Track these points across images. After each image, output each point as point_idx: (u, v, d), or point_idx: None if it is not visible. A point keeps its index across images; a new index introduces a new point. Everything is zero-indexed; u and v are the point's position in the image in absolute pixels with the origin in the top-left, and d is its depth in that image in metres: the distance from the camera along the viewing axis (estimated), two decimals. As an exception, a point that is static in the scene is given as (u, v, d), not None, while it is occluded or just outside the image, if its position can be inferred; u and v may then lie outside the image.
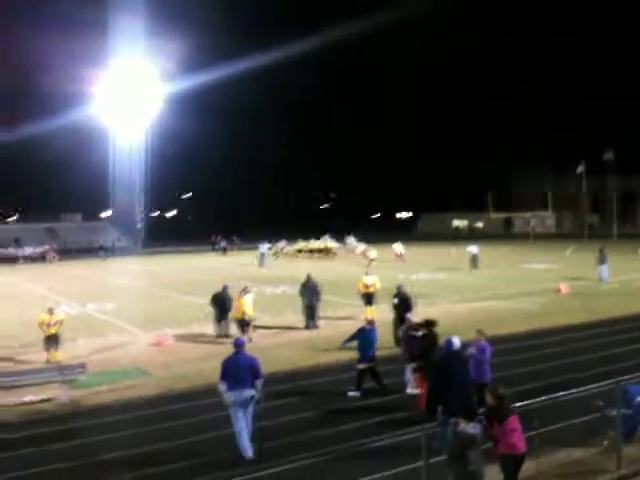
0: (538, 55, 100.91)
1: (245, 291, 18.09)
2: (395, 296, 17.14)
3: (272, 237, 52.98)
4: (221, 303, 18.59)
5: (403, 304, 16.70)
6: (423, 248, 54.12)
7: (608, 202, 67.27)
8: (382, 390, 12.52)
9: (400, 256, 41.78)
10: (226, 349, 16.60)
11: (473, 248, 36.51)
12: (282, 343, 17.49)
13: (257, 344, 17.39)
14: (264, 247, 44.24)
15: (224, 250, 56.05)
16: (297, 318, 20.16)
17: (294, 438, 10.07)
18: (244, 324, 18.18)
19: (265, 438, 9.93)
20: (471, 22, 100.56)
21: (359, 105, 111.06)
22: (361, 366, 12.63)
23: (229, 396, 9.59)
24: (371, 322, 13.42)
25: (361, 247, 45.32)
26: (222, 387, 9.71)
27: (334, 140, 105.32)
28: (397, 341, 15.85)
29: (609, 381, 9.27)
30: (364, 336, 12.92)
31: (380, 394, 12.41)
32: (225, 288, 19.08)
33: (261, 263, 42.56)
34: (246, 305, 17.55)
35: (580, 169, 64.84)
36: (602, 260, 29.47)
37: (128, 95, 67.97)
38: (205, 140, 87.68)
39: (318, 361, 15.03)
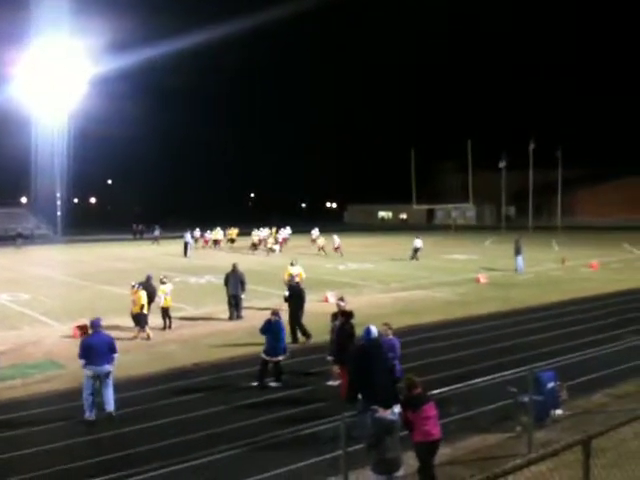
0: (468, 50, 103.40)
1: (143, 284, 17.71)
2: (288, 289, 17.03)
3: (202, 225, 52.36)
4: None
5: (296, 297, 16.48)
6: (351, 239, 54.55)
7: (526, 195, 69.80)
8: (260, 387, 12.16)
9: (338, 248, 42.06)
10: (144, 341, 16.41)
11: (418, 241, 37.03)
12: (205, 334, 17.25)
13: (180, 335, 17.16)
14: (188, 236, 43.56)
15: (156, 239, 54.55)
16: (221, 308, 19.96)
17: (214, 430, 9.95)
18: (166, 315, 17.91)
19: (186, 430, 9.84)
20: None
21: (289, 91, 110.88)
22: (267, 358, 12.39)
23: (88, 370, 10.61)
24: (276, 312, 12.91)
25: (320, 239, 45.08)
26: (81, 362, 10.73)
27: (261, 127, 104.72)
28: (294, 336, 15.97)
29: (522, 368, 9.62)
30: (270, 328, 12.60)
31: (300, 386, 12.37)
32: (148, 278, 18.61)
33: (185, 252, 41.92)
34: (143, 299, 16.81)
35: (502, 164, 67.04)
36: (518, 251, 30.63)
37: (51, 76, 64.86)
38: (131, 124, 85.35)
39: (239, 352, 14.89)
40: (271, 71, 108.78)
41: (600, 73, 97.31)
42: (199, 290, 25.35)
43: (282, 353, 12.62)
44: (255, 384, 12.23)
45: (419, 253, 37.17)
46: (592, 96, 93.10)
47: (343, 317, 11.93)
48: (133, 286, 17.48)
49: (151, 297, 17.99)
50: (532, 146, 65.29)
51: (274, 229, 50.72)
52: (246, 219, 67.29)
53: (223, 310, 19.70)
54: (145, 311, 16.89)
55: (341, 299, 13.43)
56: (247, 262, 32.55)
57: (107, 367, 10.74)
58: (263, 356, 12.50)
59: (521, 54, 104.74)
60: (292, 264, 21.90)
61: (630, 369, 11.81)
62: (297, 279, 20.65)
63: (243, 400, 11.49)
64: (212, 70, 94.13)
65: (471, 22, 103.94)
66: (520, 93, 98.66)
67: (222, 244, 49.32)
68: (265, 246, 43.41)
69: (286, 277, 20.98)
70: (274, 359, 12.43)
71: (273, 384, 12.34)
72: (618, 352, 11.84)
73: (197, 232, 50.80)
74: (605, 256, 37.40)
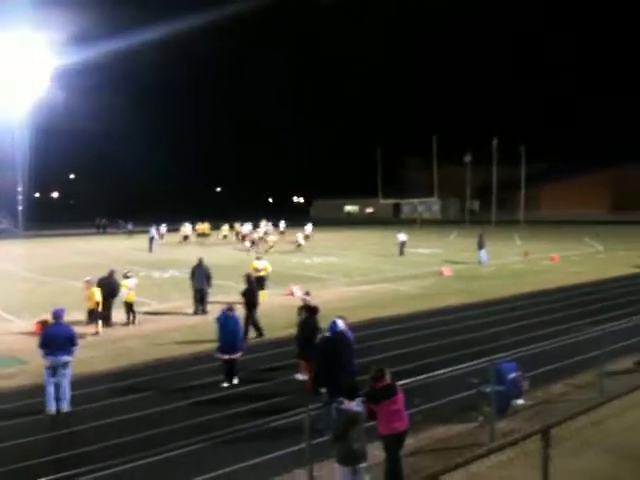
0: (434, 47, 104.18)
1: (106, 279, 17.55)
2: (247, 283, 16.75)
3: (167, 220, 51.81)
4: (107, 288, 17.85)
5: (250, 292, 16.27)
6: (318, 233, 54.57)
7: (489, 189, 70.76)
8: (228, 384, 11.85)
9: (306, 237, 42.45)
10: (110, 336, 16.21)
11: (402, 235, 36.79)
12: (169, 329, 17.09)
13: (144, 330, 16.98)
14: (153, 231, 43.09)
15: (130, 233, 53.61)
16: (186, 303, 19.81)
17: (175, 425, 9.88)
18: (130, 310, 17.72)
19: (148, 426, 9.76)
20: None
21: (257, 84, 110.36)
22: (220, 356, 12.04)
23: (47, 360, 10.68)
24: (230, 308, 12.39)
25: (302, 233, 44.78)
26: (41, 352, 10.78)
27: (229, 120, 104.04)
28: (259, 331, 15.81)
29: (484, 359, 9.75)
30: (224, 323, 12.13)
31: (264, 379, 12.30)
32: (112, 273, 18.35)
33: (150, 247, 41.51)
34: (97, 295, 16.59)
35: (468, 158, 67.84)
36: (481, 244, 31.07)
37: (12, 70, 63.23)
38: (95, 117, 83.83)
39: (202, 348, 14.75)
40: (239, 63, 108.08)
41: (562, 71, 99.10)
42: (163, 285, 25.11)
43: (237, 351, 12.07)
44: (225, 385, 11.90)
45: (404, 248, 36.69)
46: (554, 93, 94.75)
47: (307, 312, 11.93)
48: (87, 281, 17.23)
49: (114, 292, 17.79)
50: (496, 142, 66.19)
51: (239, 224, 50.45)
52: (212, 213, 66.79)
53: (187, 305, 19.56)
54: (99, 308, 16.66)
55: (306, 293, 13.45)
56: (215, 256, 32.33)
57: (65, 357, 10.75)
58: (217, 355, 12.09)
59: (485, 51, 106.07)
60: (258, 258, 21.83)
61: (588, 360, 12.06)
62: (263, 273, 20.61)
63: (206, 395, 11.42)
64: (178, 62, 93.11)
65: (438, 19, 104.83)
66: (485, 89, 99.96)
67: (191, 239, 48.49)
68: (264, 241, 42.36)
69: (251, 271, 20.87)
70: (226, 357, 11.96)
71: (225, 384, 11.90)
72: (577, 343, 12.09)
73: (163, 227, 50.19)
74: (566, 249, 38.18)
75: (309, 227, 46.42)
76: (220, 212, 70.85)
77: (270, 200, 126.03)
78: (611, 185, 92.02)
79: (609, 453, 8.36)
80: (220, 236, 49.94)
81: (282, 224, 50.24)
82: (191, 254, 31.65)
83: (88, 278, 17.49)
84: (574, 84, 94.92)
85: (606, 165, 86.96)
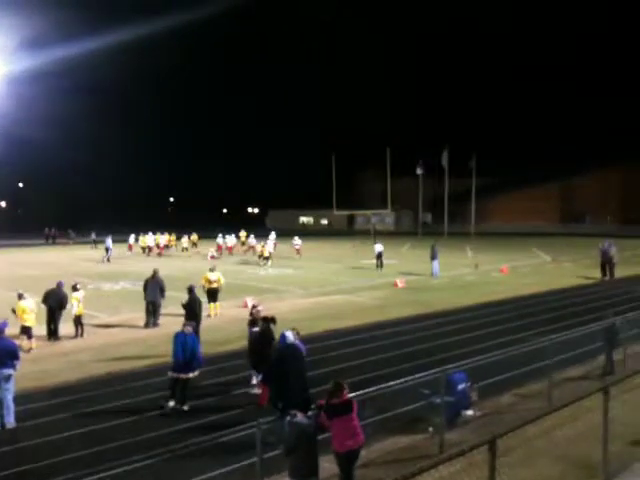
0: (387, 59, 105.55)
1: (52, 291, 17.14)
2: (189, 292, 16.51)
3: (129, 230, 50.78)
4: (55, 301, 17.41)
5: (191, 306, 16.01)
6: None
7: (441, 202, 71.90)
8: (162, 408, 11.23)
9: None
10: (59, 349, 15.80)
11: (378, 246, 36.05)
12: (119, 342, 16.77)
13: (93, 343, 16.61)
14: (109, 241, 42.29)
15: (95, 243, 52.01)
16: (136, 315, 19.49)
17: (125, 441, 9.69)
18: (78, 323, 17.33)
19: (96, 442, 9.55)
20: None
21: (211, 94, 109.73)
22: (175, 375, 11.39)
23: None
24: (188, 324, 12.00)
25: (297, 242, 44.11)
26: None
27: (183, 129, 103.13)
28: None
29: (434, 370, 9.86)
30: (181, 341, 11.54)
31: (216, 393, 12.18)
32: (60, 285, 17.91)
33: (106, 257, 40.95)
34: (28, 311, 15.83)
35: (420, 170, 68.81)
36: (434, 256, 31.50)
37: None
38: (45, 125, 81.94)
39: (153, 361, 14.52)
40: (193, 72, 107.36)
41: (511, 85, 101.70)
42: (113, 297, 24.63)
43: (193, 370, 11.50)
44: (171, 404, 11.28)
45: (382, 259, 35.78)
46: (504, 106, 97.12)
47: (265, 322, 11.84)
48: (20, 296, 16.28)
49: (62, 304, 17.37)
50: (447, 155, 67.37)
51: (191, 235, 49.83)
52: (166, 224, 65.98)
53: (139, 317, 19.26)
54: (28, 323, 15.87)
55: (254, 306, 13.31)
56: (171, 268, 31.90)
57: (6, 371, 10.54)
58: (171, 374, 11.49)
59: (437, 64, 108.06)
60: (211, 270, 21.62)
61: (536, 370, 12.33)
62: (215, 285, 20.43)
63: (157, 410, 11.23)
64: (131, 70, 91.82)
65: (388, 33, 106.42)
66: (437, 101, 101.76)
67: (154, 250, 46.86)
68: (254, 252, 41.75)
69: (204, 283, 20.69)
70: (182, 376, 11.34)
71: (170, 404, 11.28)
72: (525, 354, 12.33)
73: (132, 238, 48.51)
74: (515, 260, 39.03)
75: (273, 236, 45.80)
76: (175, 223, 70.03)
77: (224, 210, 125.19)
78: (559, 198, 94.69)
79: (558, 462, 8.53)
80: (180, 248, 49.14)
81: (272, 235, 47.92)
82: (145, 266, 31.16)
83: (20, 291, 16.68)
84: (523, 97, 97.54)
85: (554, 178, 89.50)
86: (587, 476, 7.96)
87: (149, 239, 47.81)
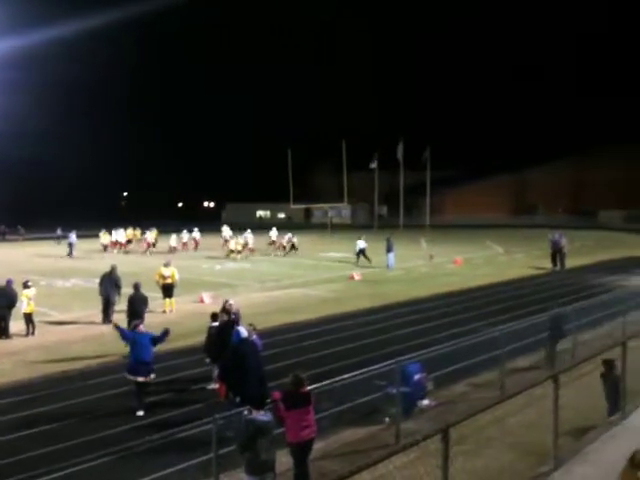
0: (342, 52, 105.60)
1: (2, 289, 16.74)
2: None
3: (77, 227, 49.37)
4: (5, 298, 16.92)
5: (132, 303, 15.87)
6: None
7: (397, 195, 72.52)
8: (133, 412, 10.67)
9: (277, 243, 42.19)
10: (9, 348, 15.42)
11: (361, 242, 35.02)
12: (71, 340, 16.44)
13: (45, 341, 16.27)
14: (73, 237, 41.26)
15: (59, 239, 49.96)
16: (89, 313, 19.18)
17: (79, 440, 9.53)
18: (29, 321, 16.95)
19: (48, 442, 9.38)
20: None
21: (164, 85, 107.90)
22: (131, 377, 10.89)
23: None
24: (139, 323, 11.67)
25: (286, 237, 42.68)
26: None
27: (136, 123, 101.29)
28: None
29: (390, 361, 9.98)
30: (134, 341, 11.08)
31: (172, 389, 12.07)
32: (9, 282, 17.44)
33: (70, 253, 40.12)
34: None
35: (373, 164, 69.17)
36: (389, 249, 31.81)
37: None
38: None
39: (107, 360, 14.29)
40: (143, 62, 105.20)
41: (465, 78, 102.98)
42: (66, 294, 24.10)
43: (148, 373, 10.96)
44: (140, 413, 10.71)
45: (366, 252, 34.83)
46: (458, 100, 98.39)
47: (227, 315, 11.79)
48: None
49: (12, 302, 16.94)
50: (402, 147, 67.91)
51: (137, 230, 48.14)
52: (120, 218, 64.76)
53: (91, 315, 18.98)
54: None
55: (226, 300, 13.30)
56: (133, 265, 31.31)
57: None
58: (126, 375, 11.00)
59: (391, 57, 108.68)
60: (165, 265, 21.36)
61: (489, 359, 12.60)
62: (169, 280, 20.19)
63: (112, 408, 11.08)
64: (83, 61, 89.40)
65: (345, 23, 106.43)
66: (392, 94, 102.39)
67: (117, 247, 43.97)
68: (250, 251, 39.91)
69: (158, 278, 20.42)
70: (140, 379, 10.85)
71: (140, 413, 10.71)
72: (479, 344, 12.59)
73: (118, 233, 44.90)
74: (469, 252, 39.70)
75: (274, 232, 44.36)
76: (130, 217, 68.85)
77: (180, 204, 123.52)
78: (512, 190, 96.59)
79: (510, 450, 8.75)
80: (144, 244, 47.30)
81: (274, 231, 44.80)
82: (104, 263, 30.62)
83: None
84: (476, 90, 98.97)
85: (507, 171, 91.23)
86: (538, 463, 8.17)
87: (119, 234, 44.90)
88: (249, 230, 42.58)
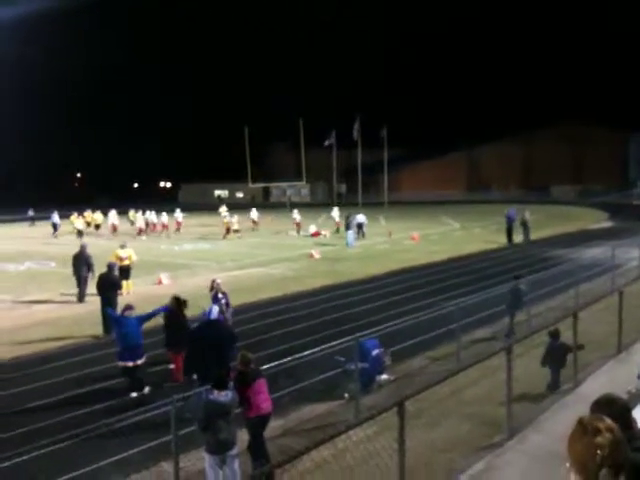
0: (297, 31, 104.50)
1: None
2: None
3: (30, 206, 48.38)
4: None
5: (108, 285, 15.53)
6: (187, 219, 53.44)
7: (355, 173, 72.75)
8: (141, 395, 10.65)
9: (255, 223, 42.98)
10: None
11: (360, 217, 35.65)
12: (29, 324, 16.07)
13: (2, 326, 15.92)
14: (56, 217, 40.37)
15: (32, 220, 49.53)
16: (47, 295, 18.89)
17: (39, 424, 9.41)
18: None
19: (9, 427, 9.24)
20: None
21: (119, 68, 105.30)
22: (123, 363, 10.87)
23: None
24: (129, 307, 11.42)
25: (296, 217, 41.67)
26: None
27: (90, 103, 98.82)
28: (106, 328, 14.65)
29: (348, 338, 10.09)
30: (122, 324, 11.06)
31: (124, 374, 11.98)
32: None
33: (54, 234, 39.70)
34: None
35: (328, 142, 69.01)
36: (348, 226, 31.98)
37: None
38: None
39: (66, 343, 14.10)
40: (96, 44, 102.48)
41: (419, 56, 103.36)
42: (19, 277, 23.57)
43: (138, 357, 10.89)
44: (134, 395, 10.63)
45: (364, 229, 35.76)
46: (414, 80, 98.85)
47: (176, 302, 11.73)
48: None
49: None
50: (358, 125, 67.94)
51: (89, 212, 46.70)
52: (74, 200, 63.46)
53: (49, 297, 18.68)
54: None
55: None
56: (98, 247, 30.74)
57: None
58: (119, 362, 10.92)
59: (348, 36, 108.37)
60: (122, 246, 21.03)
61: (445, 333, 12.86)
62: (127, 262, 19.93)
63: (70, 392, 10.95)
64: (36, 40, 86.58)
65: (300, 4, 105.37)
66: (348, 72, 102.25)
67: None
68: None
69: (114, 260, 20.10)
70: (130, 364, 10.79)
71: (134, 394, 10.67)
72: (434, 318, 12.82)
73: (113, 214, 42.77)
74: (425, 229, 40.18)
75: (254, 213, 44.00)
76: (83, 198, 67.47)
77: (135, 185, 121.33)
78: (466, 167, 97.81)
79: (466, 421, 8.96)
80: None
81: (254, 212, 44.44)
82: (53, 245, 29.94)
83: None
84: (431, 68, 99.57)
85: (461, 148, 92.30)
86: (493, 432, 8.39)
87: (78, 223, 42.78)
88: (254, 209, 43.30)
